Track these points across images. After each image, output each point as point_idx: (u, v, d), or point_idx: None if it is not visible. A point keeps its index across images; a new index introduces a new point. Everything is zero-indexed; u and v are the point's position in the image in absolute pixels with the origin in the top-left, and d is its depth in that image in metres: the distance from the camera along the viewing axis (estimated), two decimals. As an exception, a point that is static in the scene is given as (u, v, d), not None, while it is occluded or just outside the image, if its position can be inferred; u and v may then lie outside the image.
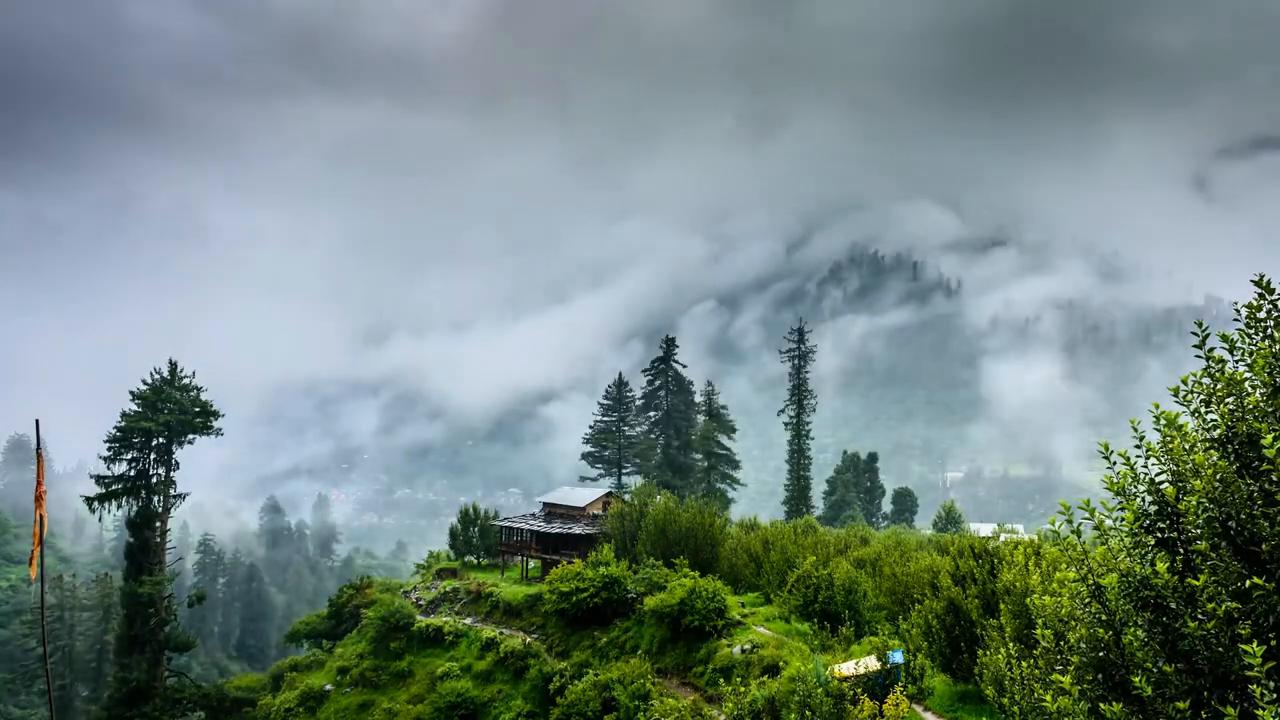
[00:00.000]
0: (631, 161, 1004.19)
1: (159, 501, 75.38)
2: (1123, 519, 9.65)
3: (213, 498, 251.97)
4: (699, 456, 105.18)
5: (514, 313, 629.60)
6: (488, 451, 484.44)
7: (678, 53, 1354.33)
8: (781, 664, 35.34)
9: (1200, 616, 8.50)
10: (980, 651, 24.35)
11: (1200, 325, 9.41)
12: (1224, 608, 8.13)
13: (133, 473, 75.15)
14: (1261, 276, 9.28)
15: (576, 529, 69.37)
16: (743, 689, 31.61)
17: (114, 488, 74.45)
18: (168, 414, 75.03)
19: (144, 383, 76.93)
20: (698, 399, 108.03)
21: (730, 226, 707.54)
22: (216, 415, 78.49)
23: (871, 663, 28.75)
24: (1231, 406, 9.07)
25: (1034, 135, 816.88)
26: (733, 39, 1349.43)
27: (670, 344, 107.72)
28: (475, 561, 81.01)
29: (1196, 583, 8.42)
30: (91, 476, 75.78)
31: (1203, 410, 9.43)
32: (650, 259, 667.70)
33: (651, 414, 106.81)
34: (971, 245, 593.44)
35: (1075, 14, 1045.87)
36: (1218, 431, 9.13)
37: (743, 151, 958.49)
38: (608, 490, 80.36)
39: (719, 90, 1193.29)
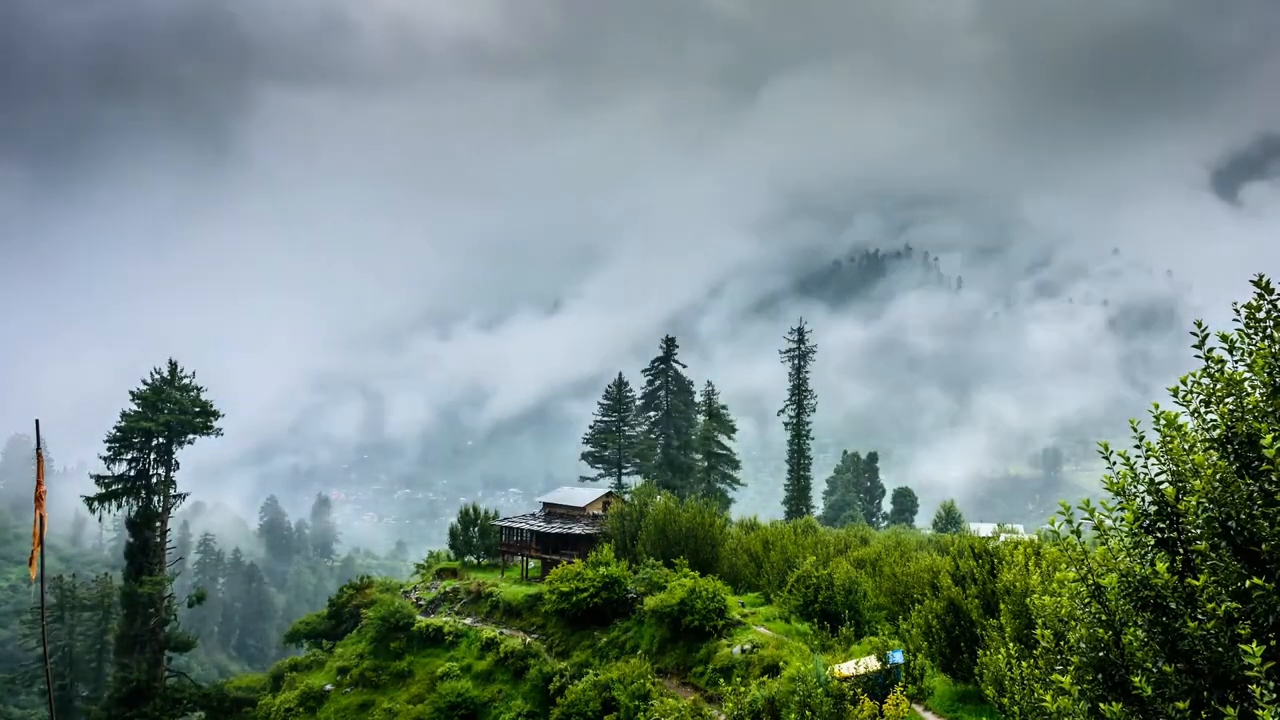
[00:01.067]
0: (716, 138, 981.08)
1: (159, 501, 75.41)
2: (1123, 519, 9.64)
3: (213, 497, 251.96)
4: (699, 456, 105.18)
5: (551, 305, 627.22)
6: (490, 451, 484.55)
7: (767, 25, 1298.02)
8: (781, 664, 35.32)
9: (1200, 616, 8.50)
10: (980, 651, 24.36)
11: (1200, 325, 9.41)
12: (1224, 608, 8.12)
13: (133, 473, 75.17)
14: (1260, 277, 9.27)
15: (576, 529, 69.37)
16: (743, 689, 31.60)
17: (114, 488, 74.47)
18: (168, 414, 75.04)
19: (144, 383, 76.94)
20: (698, 399, 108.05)
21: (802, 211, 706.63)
22: (216, 415, 78.51)
23: (871, 663, 28.76)
24: (1231, 406, 9.07)
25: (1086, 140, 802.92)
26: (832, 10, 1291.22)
27: (670, 343, 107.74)
28: (475, 561, 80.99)
29: (1196, 583, 8.41)
30: (91, 476, 75.81)
31: (1202, 410, 9.42)
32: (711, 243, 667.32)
33: (651, 414, 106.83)
34: (978, 247, 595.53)
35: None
36: (1217, 431, 9.13)
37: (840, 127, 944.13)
38: (608, 490, 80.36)
39: (817, 64, 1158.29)
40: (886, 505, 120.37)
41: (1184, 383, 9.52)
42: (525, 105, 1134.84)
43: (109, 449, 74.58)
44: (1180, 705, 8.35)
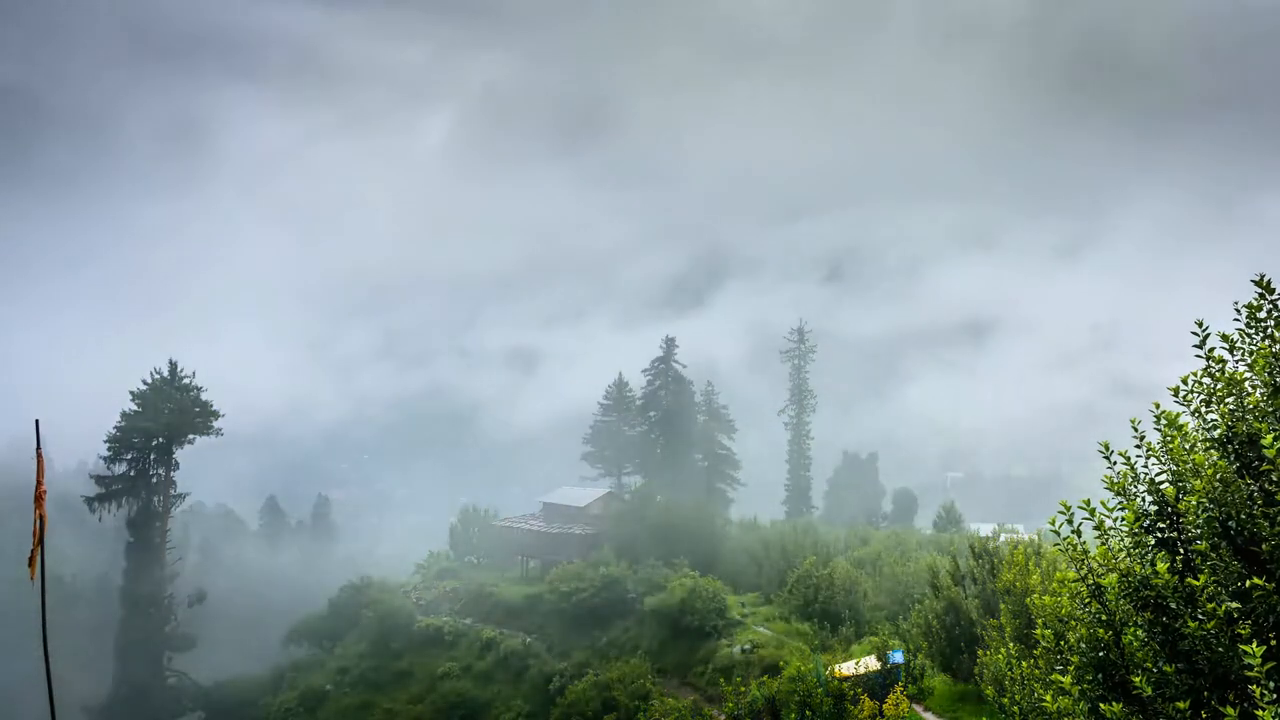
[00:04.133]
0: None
1: (159, 501, 75.44)
2: (1123, 519, 9.63)
3: (213, 497, 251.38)
4: (699, 456, 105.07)
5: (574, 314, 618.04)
6: (491, 450, 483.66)
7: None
8: (781, 664, 35.31)
9: (1200, 616, 8.49)
10: (980, 651, 24.36)
11: (1200, 325, 9.39)
12: (1224, 608, 8.11)
13: (133, 473, 75.18)
14: (1261, 276, 9.26)
15: (576, 529, 69.36)
16: (743, 689, 31.59)
17: (114, 488, 74.49)
18: (168, 414, 75.04)
19: (144, 383, 76.92)
20: (698, 399, 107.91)
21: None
22: (216, 415, 78.51)
23: (871, 662, 28.79)
24: (1231, 406, 9.06)
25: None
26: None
27: (670, 343, 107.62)
28: (475, 561, 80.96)
29: (1196, 583, 8.40)
30: (91, 476, 75.85)
31: (1203, 410, 9.41)
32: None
33: (651, 414, 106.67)
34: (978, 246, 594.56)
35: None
36: (1218, 431, 9.12)
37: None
38: (608, 490, 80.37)
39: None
40: (886, 505, 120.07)
41: (1185, 382, 9.52)
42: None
43: (109, 449, 74.60)
44: (1180, 705, 8.35)
